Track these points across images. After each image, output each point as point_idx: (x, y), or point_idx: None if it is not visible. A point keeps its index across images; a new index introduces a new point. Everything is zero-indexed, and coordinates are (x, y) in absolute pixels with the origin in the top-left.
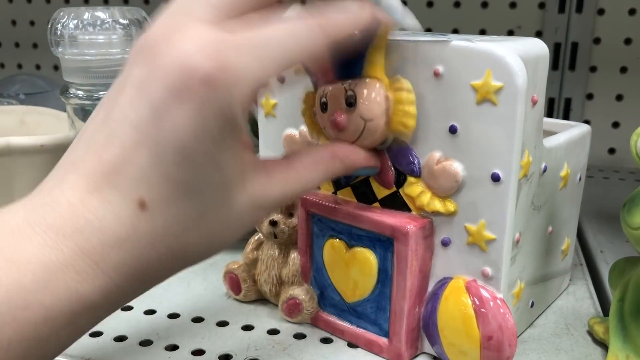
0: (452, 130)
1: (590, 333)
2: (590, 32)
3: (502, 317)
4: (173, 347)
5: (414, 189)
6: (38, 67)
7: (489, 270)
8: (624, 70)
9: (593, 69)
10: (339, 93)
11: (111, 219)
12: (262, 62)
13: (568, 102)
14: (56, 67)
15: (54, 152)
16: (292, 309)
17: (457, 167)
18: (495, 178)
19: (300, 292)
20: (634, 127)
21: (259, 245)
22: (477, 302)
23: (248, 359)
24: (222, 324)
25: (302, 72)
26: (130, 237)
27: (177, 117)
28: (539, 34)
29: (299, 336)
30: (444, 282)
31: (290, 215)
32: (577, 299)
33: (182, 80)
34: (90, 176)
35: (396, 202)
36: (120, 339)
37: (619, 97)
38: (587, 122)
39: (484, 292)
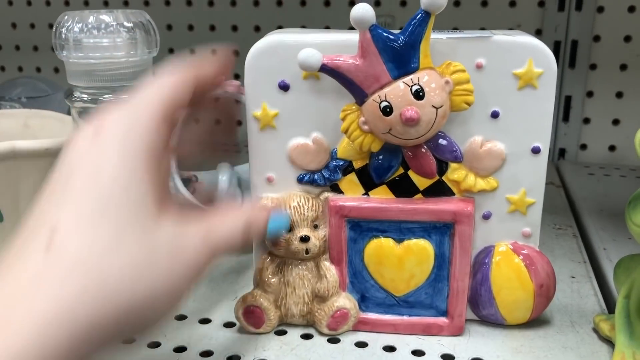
0: (494, 115)
1: (596, 330)
2: (590, 30)
3: (546, 266)
4: (181, 349)
5: (459, 173)
6: (39, 69)
7: (528, 229)
8: (623, 67)
9: (593, 67)
10: (402, 91)
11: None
12: None
13: (568, 99)
14: (57, 70)
15: (59, 156)
16: (341, 321)
17: (500, 147)
18: (536, 150)
19: (345, 302)
20: (634, 124)
21: (277, 268)
22: (527, 260)
23: (256, 359)
24: (229, 325)
25: (310, 76)
26: (32, 282)
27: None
28: (538, 32)
29: (306, 336)
30: (487, 252)
31: (315, 227)
32: (581, 296)
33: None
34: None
35: (441, 189)
36: (128, 340)
37: (619, 95)
38: (587, 119)
39: (528, 250)
